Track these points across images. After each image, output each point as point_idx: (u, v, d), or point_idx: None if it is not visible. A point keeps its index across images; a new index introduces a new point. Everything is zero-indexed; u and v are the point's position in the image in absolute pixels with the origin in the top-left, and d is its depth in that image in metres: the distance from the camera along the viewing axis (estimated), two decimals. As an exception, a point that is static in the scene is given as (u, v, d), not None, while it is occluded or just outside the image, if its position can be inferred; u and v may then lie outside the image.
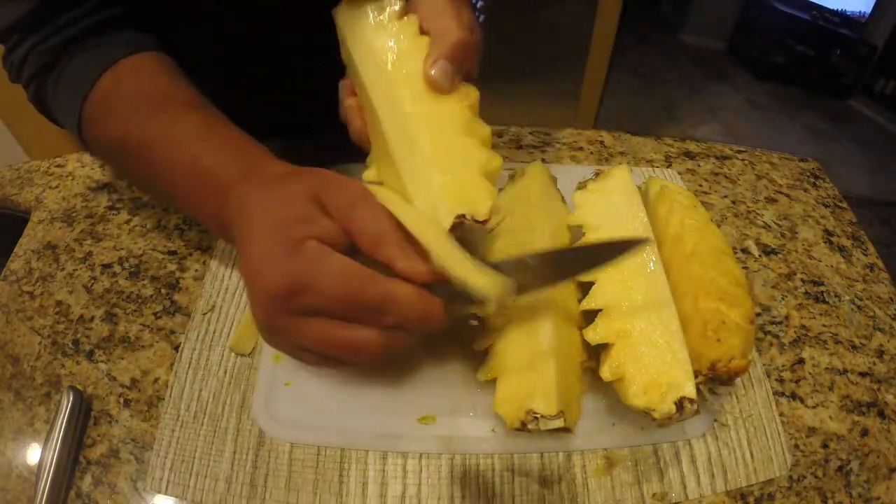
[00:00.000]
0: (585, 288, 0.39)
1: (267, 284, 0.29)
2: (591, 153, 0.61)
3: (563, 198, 0.48)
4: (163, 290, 0.49)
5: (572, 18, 1.58)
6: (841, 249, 0.52)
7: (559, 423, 0.34)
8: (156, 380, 0.43)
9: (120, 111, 0.39)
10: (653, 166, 0.60)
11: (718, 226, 0.53)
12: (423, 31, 0.37)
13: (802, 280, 0.49)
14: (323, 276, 0.29)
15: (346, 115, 0.39)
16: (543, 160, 0.59)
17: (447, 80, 0.35)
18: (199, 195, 0.36)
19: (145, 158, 0.38)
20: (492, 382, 0.38)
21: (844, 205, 0.57)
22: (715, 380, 0.35)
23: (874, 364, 0.44)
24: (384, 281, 0.29)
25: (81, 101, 0.40)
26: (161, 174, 0.38)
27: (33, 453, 0.39)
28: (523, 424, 0.34)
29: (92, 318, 0.47)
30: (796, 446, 0.39)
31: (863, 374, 0.43)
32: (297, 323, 0.30)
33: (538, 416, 0.34)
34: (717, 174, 0.60)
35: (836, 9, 2.25)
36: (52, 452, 0.37)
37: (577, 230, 0.43)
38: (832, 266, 0.51)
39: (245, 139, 0.38)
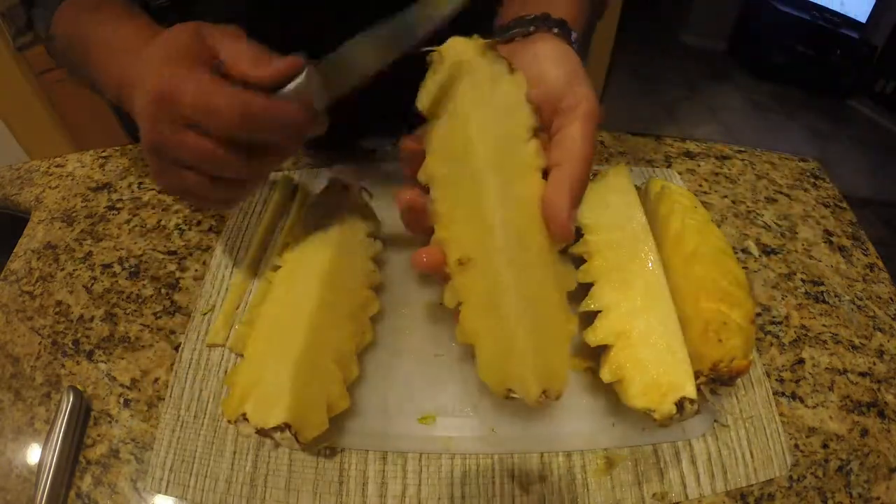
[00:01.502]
0: (585, 289, 0.39)
1: (148, 90, 0.32)
2: (591, 153, 0.61)
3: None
4: (163, 290, 0.49)
5: (572, 18, 1.58)
6: (841, 249, 0.52)
7: (538, 400, 0.33)
8: (156, 380, 0.43)
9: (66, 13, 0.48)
10: (653, 166, 0.60)
11: (718, 226, 0.53)
12: (539, 122, 0.35)
13: (802, 280, 0.49)
14: (194, 83, 0.31)
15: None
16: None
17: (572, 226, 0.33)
18: (109, 63, 0.41)
19: (79, 46, 0.45)
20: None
21: (844, 205, 0.57)
22: (716, 380, 0.35)
23: (874, 364, 0.44)
24: (244, 91, 0.31)
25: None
26: (88, 57, 0.43)
27: (33, 453, 0.39)
28: (509, 392, 0.33)
29: (92, 318, 0.47)
30: (796, 446, 0.39)
31: (863, 374, 0.43)
32: (177, 133, 0.32)
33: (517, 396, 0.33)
34: (717, 174, 0.60)
35: (836, 9, 2.25)
36: (52, 452, 0.37)
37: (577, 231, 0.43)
38: (832, 266, 0.51)
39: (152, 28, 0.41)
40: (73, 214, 0.57)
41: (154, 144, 0.33)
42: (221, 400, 0.37)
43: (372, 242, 0.44)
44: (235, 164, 0.33)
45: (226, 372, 0.42)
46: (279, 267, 0.42)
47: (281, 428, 0.33)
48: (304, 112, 0.33)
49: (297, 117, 0.33)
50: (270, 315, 0.39)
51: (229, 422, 0.34)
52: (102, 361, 0.44)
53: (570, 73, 0.36)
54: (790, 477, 0.38)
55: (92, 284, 0.50)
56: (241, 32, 0.35)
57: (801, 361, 0.44)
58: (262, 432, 0.33)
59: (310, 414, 0.34)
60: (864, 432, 0.40)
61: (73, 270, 0.51)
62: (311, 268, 0.41)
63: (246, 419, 0.33)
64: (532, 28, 0.38)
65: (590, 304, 0.38)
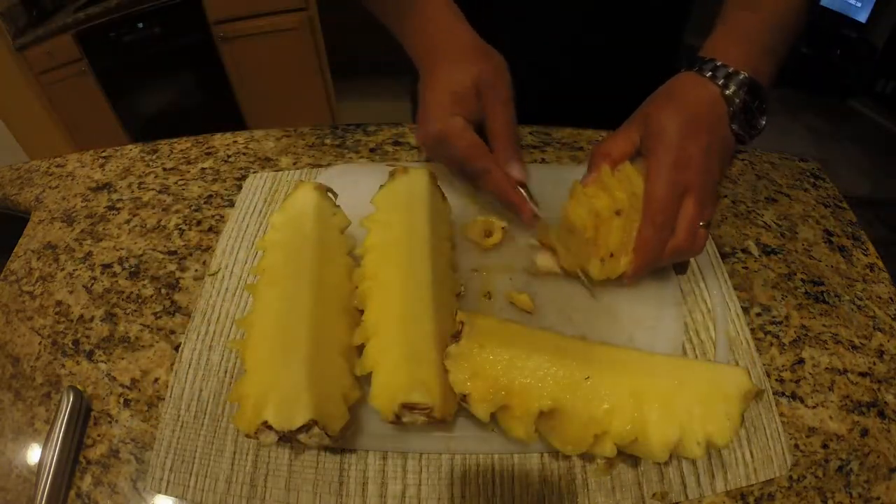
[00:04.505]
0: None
1: (427, 127, 0.47)
2: (591, 153, 0.61)
3: (444, 195, 0.48)
4: (163, 290, 0.49)
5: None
6: (841, 249, 0.52)
7: (429, 416, 0.35)
8: (156, 380, 0.43)
9: None
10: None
11: (718, 226, 0.53)
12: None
13: (802, 280, 0.49)
14: (457, 139, 0.45)
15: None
16: (543, 160, 0.59)
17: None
18: (418, 41, 0.50)
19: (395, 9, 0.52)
20: None
21: (844, 205, 0.57)
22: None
23: (874, 364, 0.44)
24: (488, 160, 0.46)
25: None
26: (399, 21, 0.51)
27: (33, 453, 0.39)
28: (397, 417, 0.35)
29: (92, 318, 0.47)
30: (796, 446, 0.39)
31: (863, 374, 0.43)
32: (434, 154, 0.50)
33: (414, 406, 0.34)
34: (717, 174, 0.59)
35: (836, 9, 2.25)
36: (52, 452, 0.37)
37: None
38: (832, 266, 0.51)
39: (456, 17, 0.50)
40: (73, 214, 0.57)
41: (424, 145, 0.50)
42: (232, 417, 0.36)
43: (346, 238, 0.45)
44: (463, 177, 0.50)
45: (226, 372, 0.42)
46: (259, 277, 0.42)
47: (308, 426, 0.33)
48: (529, 216, 0.47)
49: (523, 214, 0.47)
50: (265, 323, 0.38)
51: (248, 436, 0.34)
52: (102, 361, 0.44)
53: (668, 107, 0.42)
54: (790, 477, 0.38)
55: (92, 284, 0.50)
56: (510, 99, 0.47)
57: (801, 361, 0.44)
58: (287, 436, 0.33)
59: (331, 407, 0.35)
60: (864, 432, 0.40)
61: (73, 270, 0.51)
62: (295, 270, 0.41)
63: (268, 427, 0.33)
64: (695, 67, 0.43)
65: (357, 338, 0.39)
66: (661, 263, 0.42)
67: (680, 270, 0.49)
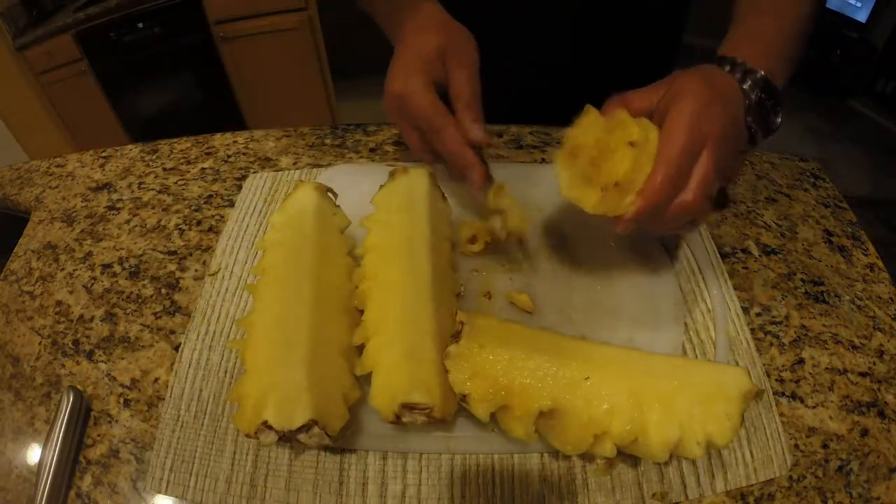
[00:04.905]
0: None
1: (389, 87, 0.48)
2: (591, 153, 0.61)
3: (444, 195, 0.48)
4: (163, 290, 0.49)
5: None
6: (841, 249, 0.52)
7: (428, 416, 0.35)
8: (156, 380, 0.43)
9: None
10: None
11: (718, 226, 0.53)
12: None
13: (802, 280, 0.49)
14: (417, 99, 0.46)
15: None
16: (544, 160, 0.59)
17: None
18: (394, 21, 0.53)
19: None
20: None
21: (844, 205, 0.57)
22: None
23: (874, 364, 0.44)
24: (446, 119, 0.46)
25: None
26: (383, 8, 0.56)
27: (33, 453, 0.39)
28: (397, 417, 0.35)
29: (92, 318, 0.47)
30: (796, 446, 0.39)
31: (863, 374, 0.43)
32: (397, 118, 0.50)
33: (414, 406, 0.35)
34: (717, 174, 0.59)
35: (836, 9, 2.25)
36: (52, 452, 0.37)
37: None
38: (832, 266, 0.51)
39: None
40: (73, 214, 0.57)
41: (388, 109, 0.50)
42: (232, 417, 0.36)
43: (346, 238, 0.45)
44: (421, 149, 0.50)
45: (226, 372, 0.42)
46: (259, 277, 0.42)
47: (308, 426, 0.33)
48: (482, 177, 0.47)
49: (475, 173, 0.47)
50: (265, 323, 0.38)
51: (248, 436, 0.34)
52: (102, 361, 0.44)
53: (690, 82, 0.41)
54: (790, 477, 0.38)
55: (92, 284, 0.50)
56: (473, 64, 0.48)
57: (801, 361, 0.44)
58: (287, 436, 0.33)
59: (331, 407, 0.35)
60: (864, 432, 0.40)
61: (73, 270, 0.51)
62: (295, 270, 0.41)
63: (268, 427, 0.33)
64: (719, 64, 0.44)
65: (357, 338, 0.39)
66: (663, 220, 0.39)
67: (671, 253, 0.49)
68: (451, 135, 0.46)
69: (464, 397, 0.35)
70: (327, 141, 0.63)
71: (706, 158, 0.38)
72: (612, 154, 0.39)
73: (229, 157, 0.62)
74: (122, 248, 0.53)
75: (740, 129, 0.42)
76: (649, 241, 0.50)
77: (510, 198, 0.46)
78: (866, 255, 0.52)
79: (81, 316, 0.47)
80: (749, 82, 0.42)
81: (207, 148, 0.64)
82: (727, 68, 0.43)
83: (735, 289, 0.48)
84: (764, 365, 0.43)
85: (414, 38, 0.49)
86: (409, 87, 0.46)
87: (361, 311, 0.40)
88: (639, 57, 0.65)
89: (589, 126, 0.41)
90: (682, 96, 0.39)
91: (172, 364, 0.43)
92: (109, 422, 0.41)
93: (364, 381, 0.37)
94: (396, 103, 0.48)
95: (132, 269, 0.51)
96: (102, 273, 0.51)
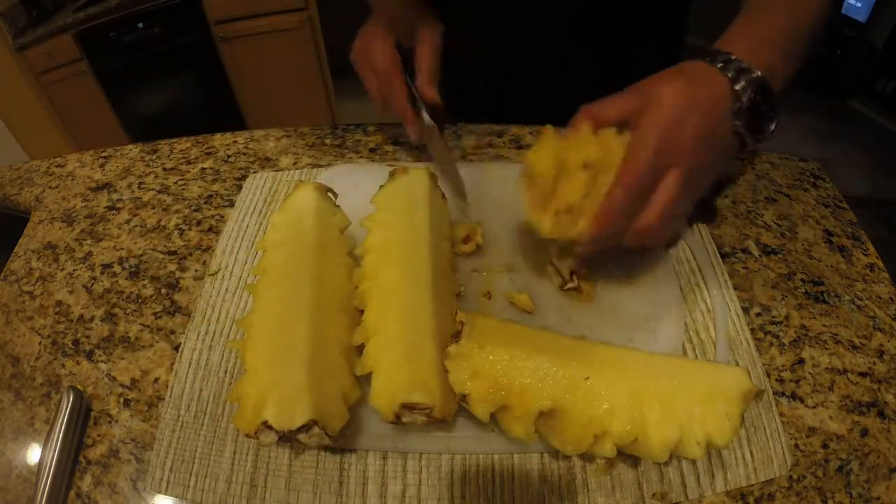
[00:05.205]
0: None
1: (361, 39, 0.56)
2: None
3: (444, 195, 0.48)
4: (163, 290, 0.49)
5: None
6: (841, 249, 0.52)
7: (429, 416, 0.35)
8: (156, 380, 0.43)
9: None
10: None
11: (718, 226, 0.53)
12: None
13: (802, 280, 0.49)
14: (378, 52, 0.54)
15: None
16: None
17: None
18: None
19: None
20: None
21: (844, 205, 0.57)
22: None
23: (874, 364, 0.44)
24: (399, 75, 0.53)
25: None
26: None
27: (33, 453, 0.39)
28: (397, 417, 0.35)
29: (92, 318, 0.47)
30: (796, 446, 0.39)
31: (863, 374, 0.43)
32: (361, 65, 0.56)
33: (414, 406, 0.34)
34: (717, 174, 0.59)
35: (835, 9, 2.24)
36: (52, 452, 0.37)
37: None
38: (832, 266, 0.51)
39: None
40: (73, 214, 0.57)
41: (354, 58, 0.57)
42: (232, 417, 0.36)
43: (346, 238, 0.45)
44: (377, 95, 0.55)
45: (226, 372, 0.42)
46: (259, 277, 0.42)
47: (308, 426, 0.33)
48: (417, 127, 0.54)
49: (411, 126, 0.54)
50: (265, 323, 0.38)
51: (248, 436, 0.34)
52: (102, 361, 0.44)
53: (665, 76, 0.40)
54: (790, 477, 0.38)
55: (92, 284, 0.50)
56: (436, 40, 0.55)
57: (801, 361, 0.44)
58: (287, 436, 0.33)
59: (331, 407, 0.35)
60: (864, 432, 0.40)
61: (73, 270, 0.51)
62: (295, 270, 0.41)
63: (268, 427, 0.33)
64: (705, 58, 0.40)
65: (357, 338, 0.39)
66: (619, 241, 0.38)
67: (669, 243, 0.49)
68: (399, 89, 0.53)
69: (464, 397, 0.35)
70: (327, 141, 0.63)
71: (673, 178, 0.36)
72: (569, 176, 0.39)
73: (229, 157, 0.62)
74: (122, 248, 0.53)
75: (722, 138, 0.39)
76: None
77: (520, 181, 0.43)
78: (866, 255, 0.52)
79: (81, 316, 0.47)
80: (743, 82, 0.38)
81: (207, 148, 0.64)
82: (719, 65, 0.39)
83: (735, 289, 0.48)
84: (764, 365, 0.43)
85: (390, 4, 0.56)
86: (375, 42, 0.54)
87: (361, 311, 0.40)
88: (638, 57, 0.65)
89: (547, 147, 0.40)
90: (652, 106, 0.37)
91: (172, 364, 0.43)
92: (109, 422, 0.41)
93: (364, 381, 0.37)
94: (361, 54, 0.56)
95: (132, 269, 0.51)
96: (102, 273, 0.51)
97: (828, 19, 0.44)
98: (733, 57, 0.39)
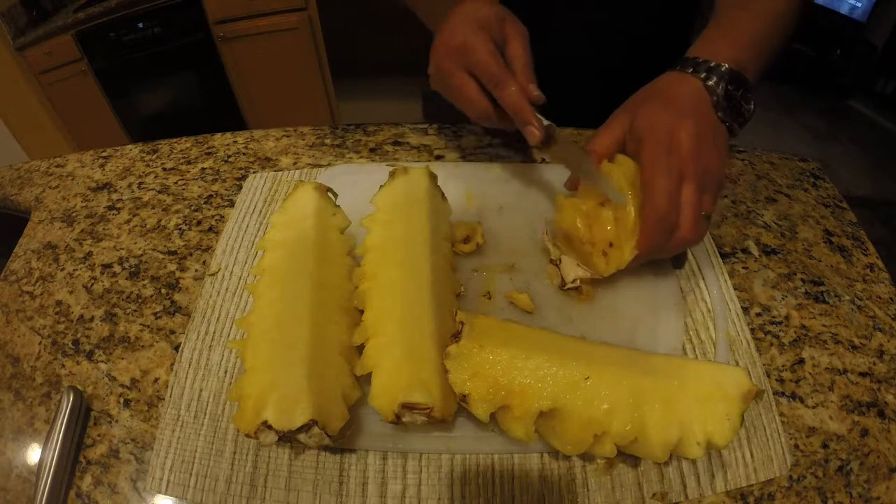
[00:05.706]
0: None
1: (450, 40, 0.47)
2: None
3: (443, 195, 0.48)
4: (163, 290, 0.49)
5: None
6: (841, 249, 0.52)
7: (429, 416, 0.35)
8: (156, 380, 0.43)
9: None
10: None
11: (718, 226, 0.53)
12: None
13: (802, 280, 0.49)
14: (480, 51, 0.46)
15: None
16: (543, 160, 0.59)
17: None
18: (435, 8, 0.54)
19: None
20: None
21: (844, 205, 0.57)
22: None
23: (874, 364, 0.44)
24: (509, 76, 0.46)
25: None
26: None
27: (33, 453, 0.39)
28: (397, 417, 0.35)
29: (92, 318, 0.47)
30: (796, 446, 0.39)
31: (863, 374, 0.43)
32: (454, 69, 0.48)
33: (414, 406, 0.35)
34: (717, 174, 0.59)
35: (836, 9, 2.24)
36: (52, 452, 0.37)
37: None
38: (832, 266, 0.51)
39: None
40: (73, 214, 0.57)
41: (437, 68, 0.49)
42: (232, 416, 0.36)
43: (346, 238, 0.45)
44: (479, 99, 0.48)
45: (226, 372, 0.42)
46: (259, 277, 0.42)
47: (308, 426, 0.33)
48: (538, 132, 0.46)
49: (533, 129, 0.46)
50: (265, 323, 0.38)
51: (248, 436, 0.34)
52: (102, 361, 0.44)
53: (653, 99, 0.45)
54: (790, 477, 0.38)
55: (92, 284, 0.50)
56: (526, 35, 0.49)
57: (801, 361, 0.44)
58: (287, 436, 0.33)
59: (331, 407, 0.35)
60: (864, 432, 0.40)
61: (73, 270, 0.51)
62: (295, 270, 0.41)
63: (268, 427, 0.33)
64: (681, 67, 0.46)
65: (357, 338, 0.39)
66: (664, 254, 0.43)
67: (677, 264, 0.49)
68: (514, 89, 0.46)
69: (464, 397, 0.35)
70: (327, 141, 0.63)
71: (689, 190, 0.40)
72: (595, 219, 0.44)
73: (229, 157, 0.62)
74: (122, 248, 0.53)
75: (717, 129, 0.43)
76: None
77: (559, 248, 0.47)
78: (866, 255, 0.52)
79: (81, 316, 0.47)
80: (714, 78, 0.44)
81: (207, 148, 0.64)
82: (690, 70, 0.45)
83: (735, 289, 0.48)
84: (764, 365, 0.43)
85: (471, 5, 0.49)
86: (472, 40, 0.47)
87: (361, 311, 0.40)
88: (639, 56, 0.66)
89: (568, 210, 0.46)
90: (646, 135, 0.42)
91: (172, 364, 0.43)
92: (109, 422, 0.41)
93: (364, 381, 0.37)
94: (456, 55, 0.48)
95: (132, 269, 0.51)
96: (102, 273, 0.51)
97: (796, 13, 0.49)
98: (701, 60, 0.45)
